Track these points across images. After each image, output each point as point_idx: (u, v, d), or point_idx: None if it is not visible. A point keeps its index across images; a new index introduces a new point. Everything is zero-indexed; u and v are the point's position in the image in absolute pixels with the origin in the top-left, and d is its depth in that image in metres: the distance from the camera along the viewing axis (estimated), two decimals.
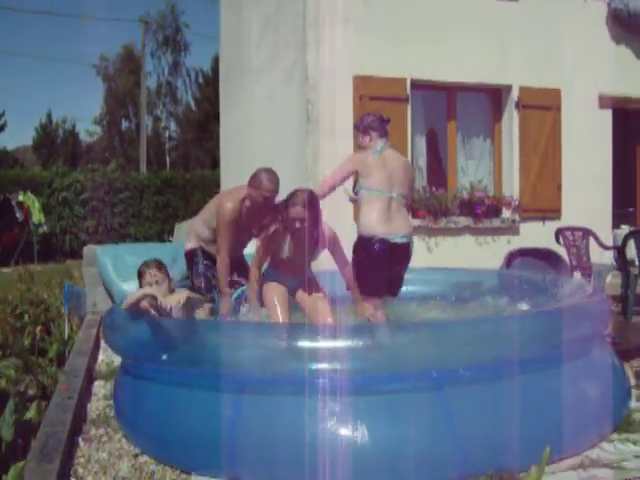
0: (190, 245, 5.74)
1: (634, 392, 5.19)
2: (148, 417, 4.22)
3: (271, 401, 3.79)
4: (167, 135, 40.38)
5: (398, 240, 5.01)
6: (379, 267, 5.00)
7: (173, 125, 41.43)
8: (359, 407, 3.65)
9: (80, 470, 3.96)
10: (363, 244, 5.06)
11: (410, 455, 3.53)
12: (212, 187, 20.31)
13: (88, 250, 8.61)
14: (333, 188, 5.35)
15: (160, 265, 4.69)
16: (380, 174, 5.08)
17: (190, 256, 5.75)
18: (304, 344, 3.82)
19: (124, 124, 41.40)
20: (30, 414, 4.41)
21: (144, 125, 31.94)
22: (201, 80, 40.07)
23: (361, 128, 5.44)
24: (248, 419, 3.75)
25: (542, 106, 10.28)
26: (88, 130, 41.59)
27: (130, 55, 39.14)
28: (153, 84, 39.81)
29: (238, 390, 3.84)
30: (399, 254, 5.05)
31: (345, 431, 3.58)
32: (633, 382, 5.51)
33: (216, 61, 27.91)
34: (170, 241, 16.18)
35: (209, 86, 36.67)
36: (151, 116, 39.41)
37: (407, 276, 5.81)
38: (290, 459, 3.59)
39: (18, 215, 18.02)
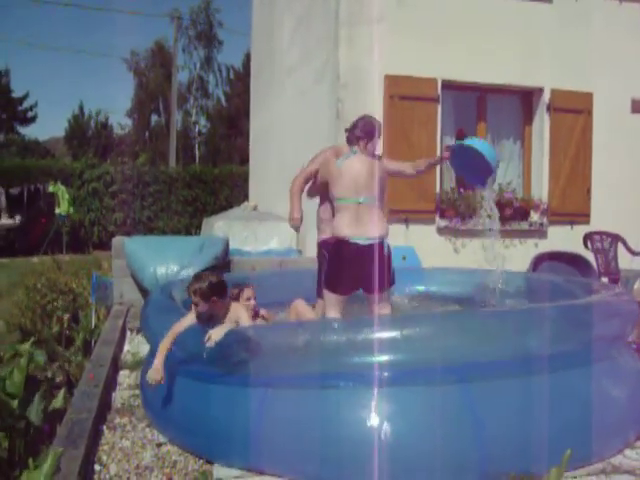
0: (321, 236, 5.74)
1: None
2: (175, 405, 4.27)
3: (296, 394, 3.83)
4: (197, 130, 40.57)
5: (361, 242, 5.10)
6: (345, 267, 5.15)
7: (203, 120, 41.65)
8: (379, 401, 3.67)
9: (104, 457, 4.03)
10: (332, 245, 5.25)
11: (430, 453, 3.56)
12: (240, 182, 20.42)
13: (117, 241, 8.69)
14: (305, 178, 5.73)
15: (197, 290, 4.30)
16: (343, 182, 5.18)
17: (319, 249, 5.75)
18: (325, 339, 3.87)
19: (154, 118, 41.73)
20: (57, 401, 4.48)
21: (174, 119, 32.12)
22: (232, 76, 40.25)
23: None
24: (273, 412, 3.80)
25: (574, 109, 10.20)
26: (120, 123, 41.96)
27: (161, 49, 39.40)
28: (184, 79, 40.09)
29: (264, 383, 3.88)
30: (365, 255, 5.11)
31: (364, 426, 3.61)
32: None
33: (248, 57, 28.02)
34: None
35: (240, 82, 36.81)
36: (181, 110, 39.67)
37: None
38: (313, 452, 3.63)
39: (50, 206, 18.25)
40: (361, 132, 5.32)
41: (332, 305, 5.20)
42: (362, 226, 5.10)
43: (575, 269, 9.03)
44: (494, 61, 9.77)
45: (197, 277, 4.40)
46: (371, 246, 5.12)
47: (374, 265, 5.19)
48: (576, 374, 4.09)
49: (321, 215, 5.76)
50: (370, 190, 5.19)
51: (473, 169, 5.51)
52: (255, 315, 5.27)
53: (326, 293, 5.25)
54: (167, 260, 7.85)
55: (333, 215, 5.33)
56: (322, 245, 5.68)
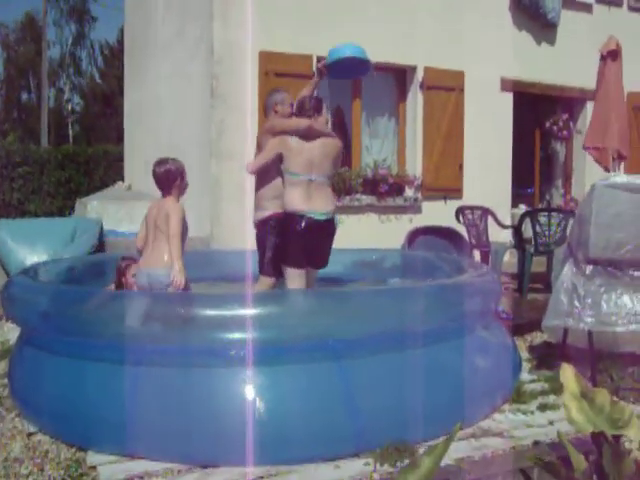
0: (264, 213, 5.61)
1: (526, 365, 5.40)
2: (43, 391, 4.12)
3: (169, 373, 3.77)
4: (70, 108, 39.18)
5: (317, 217, 5.28)
6: (299, 241, 5.28)
7: (77, 98, 40.25)
8: (253, 378, 3.67)
9: None
10: (285, 219, 5.36)
11: (304, 427, 3.59)
12: (115, 162, 19.86)
13: None
14: (263, 166, 5.58)
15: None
16: (299, 159, 5.32)
17: (264, 226, 5.64)
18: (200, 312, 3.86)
19: (24, 95, 39.98)
20: None
21: (45, 96, 30.91)
22: (107, 52, 39.04)
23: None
24: (146, 392, 3.72)
25: (446, 87, 10.47)
26: None
27: (32, 23, 37.72)
28: (56, 54, 38.59)
29: (137, 362, 3.80)
30: (319, 230, 5.33)
31: (239, 402, 3.62)
32: (526, 355, 5.73)
33: (122, 33, 27.20)
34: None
35: (115, 58, 35.75)
36: (53, 88, 38.20)
37: None
38: (187, 433, 3.58)
39: None
40: (311, 109, 5.50)
41: (296, 281, 5.30)
42: (315, 201, 5.28)
43: (449, 243, 9.29)
44: (368, 39, 9.78)
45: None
46: (327, 221, 5.35)
47: (328, 240, 5.46)
48: (446, 347, 4.26)
49: (263, 192, 5.66)
50: (322, 169, 5.38)
51: (349, 69, 6.00)
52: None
53: (290, 270, 5.32)
54: (36, 248, 7.58)
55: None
56: (267, 221, 5.62)
